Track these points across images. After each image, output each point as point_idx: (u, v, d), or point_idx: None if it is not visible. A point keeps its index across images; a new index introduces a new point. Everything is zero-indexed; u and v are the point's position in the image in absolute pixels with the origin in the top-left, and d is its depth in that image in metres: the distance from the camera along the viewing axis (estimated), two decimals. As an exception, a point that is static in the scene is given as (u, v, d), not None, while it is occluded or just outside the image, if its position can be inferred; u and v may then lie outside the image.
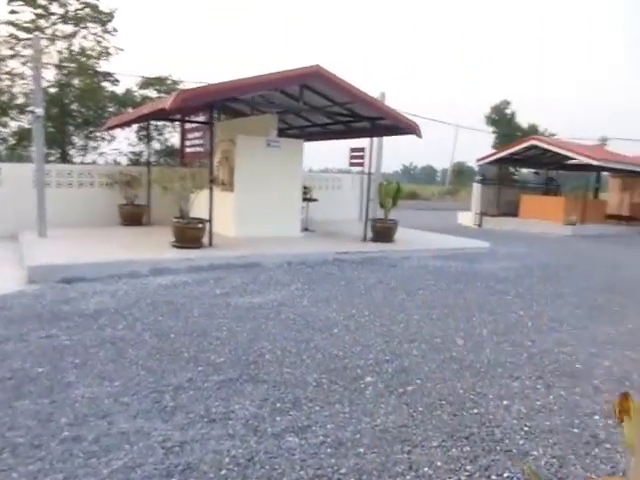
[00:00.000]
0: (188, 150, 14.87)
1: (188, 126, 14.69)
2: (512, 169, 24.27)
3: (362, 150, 15.60)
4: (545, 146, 16.16)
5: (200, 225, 8.16)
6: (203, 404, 3.23)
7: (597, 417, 3.29)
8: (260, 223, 9.87)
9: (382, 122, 10.06)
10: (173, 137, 26.78)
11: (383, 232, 9.98)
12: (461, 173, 52.90)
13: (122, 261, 6.95)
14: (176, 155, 27.37)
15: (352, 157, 16.08)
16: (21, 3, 22.48)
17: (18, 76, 22.40)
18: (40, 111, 9.16)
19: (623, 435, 1.41)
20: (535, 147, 16.62)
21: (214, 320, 4.97)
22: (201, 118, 13.86)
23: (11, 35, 23.75)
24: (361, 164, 15.83)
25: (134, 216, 11.23)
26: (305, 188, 10.84)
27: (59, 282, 6.39)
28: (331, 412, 3.19)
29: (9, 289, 6.02)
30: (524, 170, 21.86)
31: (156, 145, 27.36)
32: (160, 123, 23.15)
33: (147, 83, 26.88)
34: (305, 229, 10.82)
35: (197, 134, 14.11)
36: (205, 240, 8.36)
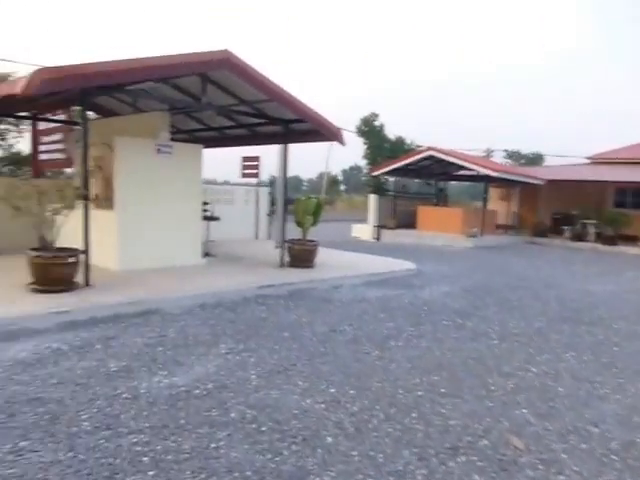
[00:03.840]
0: (43, 157, 11.96)
1: (42, 127, 11.81)
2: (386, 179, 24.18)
3: (256, 159, 13.98)
4: (442, 157, 15.89)
5: (72, 259, 5.89)
6: None
7: None
8: (151, 250, 7.75)
9: (297, 126, 8.53)
10: (19, 142, 22.69)
11: (302, 256, 8.43)
12: (335, 183, 53.37)
13: (-51, 325, 4.52)
14: (24, 164, 23.24)
15: (245, 167, 14.37)
16: None
17: None
18: None
19: None
20: (431, 157, 16.30)
21: (121, 440, 3.00)
22: (59, 117, 11.19)
23: None
24: (255, 175, 14.18)
25: (-31, 244, 8.35)
26: (205, 204, 8.89)
27: None
28: None
29: None
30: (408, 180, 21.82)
31: (-1, 152, 22.97)
32: (2, 126, 19.37)
33: None
34: (206, 254, 8.87)
35: (55, 137, 11.33)
36: (79, 279, 6.10)
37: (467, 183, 26.48)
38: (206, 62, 6.87)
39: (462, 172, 18.21)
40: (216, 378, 3.97)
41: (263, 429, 3.15)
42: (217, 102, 8.23)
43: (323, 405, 3.52)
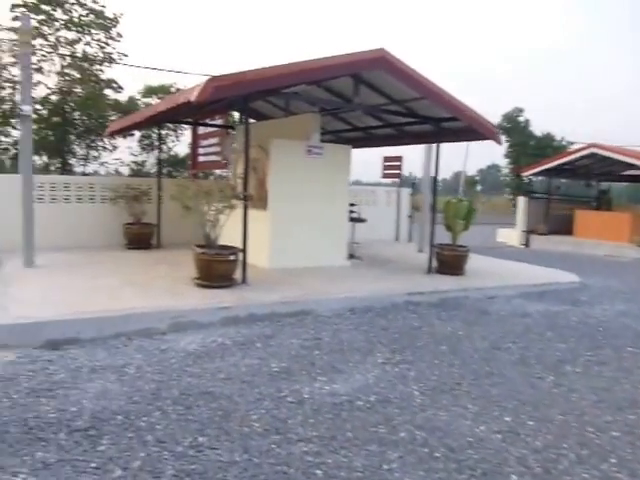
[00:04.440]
0: (201, 159, 12.93)
1: (201, 131, 12.77)
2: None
3: (399, 159, 13.71)
4: (607, 154, 14.19)
5: (232, 257, 6.18)
6: None
7: None
8: (299, 250, 7.89)
9: (449, 125, 8.11)
10: (177, 146, 24.99)
11: (452, 262, 7.99)
12: (473, 184, 50.94)
13: (133, 314, 4.94)
14: (181, 165, 25.56)
15: (386, 167, 14.17)
16: (24, 10, 20.84)
17: (20, 83, 20.74)
18: (27, 109, 7.22)
19: None
20: (592, 155, 14.66)
21: (292, 448, 2.96)
22: (217, 122, 11.99)
23: (13, 41, 22.07)
24: (397, 175, 13.91)
25: (141, 237, 9.26)
26: (351, 205, 8.86)
27: (43, 347, 4.40)
28: None
29: (-34, 364, 4.03)
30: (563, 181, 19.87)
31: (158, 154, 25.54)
32: (163, 131, 21.47)
33: (150, 91, 25.20)
34: (351, 256, 8.84)
35: (213, 140, 12.16)
36: (237, 276, 6.38)
37: (625, 184, 23.60)
38: (361, 62, 6.78)
39: (630, 172, 16.16)
40: (377, 390, 3.81)
41: (436, 455, 2.91)
42: (367, 102, 8.14)
43: (499, 435, 3.18)
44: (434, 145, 8.62)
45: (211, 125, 11.60)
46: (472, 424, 3.34)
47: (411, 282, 7.26)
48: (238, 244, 6.39)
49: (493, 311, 6.40)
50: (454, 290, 6.99)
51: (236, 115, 14.89)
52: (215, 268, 6.04)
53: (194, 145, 13.13)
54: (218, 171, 19.28)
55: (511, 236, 16.44)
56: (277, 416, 3.32)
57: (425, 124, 8.46)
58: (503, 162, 41.61)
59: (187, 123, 12.98)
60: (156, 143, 25.69)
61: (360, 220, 9.16)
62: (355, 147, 10.11)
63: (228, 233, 6.45)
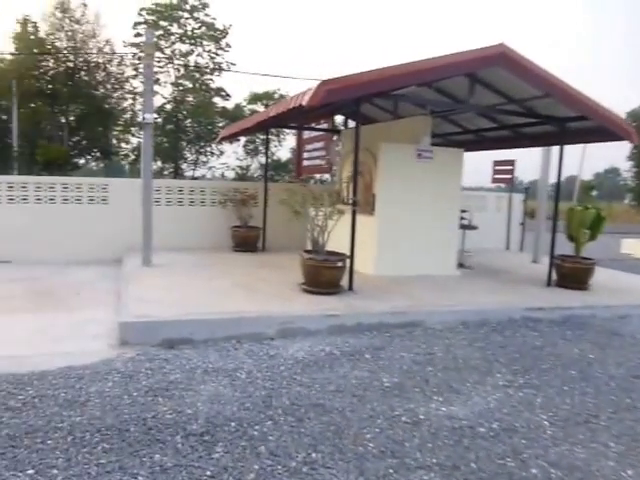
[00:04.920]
0: (305, 163, 13.06)
1: (306, 136, 12.90)
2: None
3: (511, 163, 12.89)
4: None
5: (340, 263, 6.06)
6: None
7: None
8: (407, 257, 7.61)
9: (575, 125, 7.41)
10: (279, 150, 25.66)
11: (575, 276, 7.26)
12: (589, 189, 47.05)
13: (243, 318, 4.98)
14: (283, 169, 26.23)
15: (497, 172, 13.39)
16: (145, 27, 22.76)
17: (139, 94, 22.66)
18: (150, 117, 7.64)
19: None
20: None
21: (411, 476, 2.73)
22: (322, 126, 12.03)
23: (134, 55, 24.07)
24: (509, 180, 13.10)
25: (248, 240, 9.48)
26: (462, 212, 8.41)
27: (159, 346, 4.56)
28: None
29: (92, 355, 4.27)
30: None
31: (262, 159, 26.55)
32: (267, 136, 22.25)
33: (255, 98, 26.20)
34: (460, 265, 8.39)
35: (317, 144, 12.22)
36: (343, 282, 6.26)
37: None
38: (479, 60, 6.38)
39: None
40: (500, 417, 3.47)
41: (580, 502, 2.55)
42: (482, 102, 7.68)
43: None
44: (554, 147, 7.94)
45: (316, 129, 11.66)
46: (617, 466, 2.91)
47: (529, 296, 6.70)
48: (342, 249, 6.27)
49: (627, 333, 5.69)
50: (579, 307, 6.33)
51: (339, 119, 14.90)
52: (323, 274, 5.97)
53: (299, 149, 13.31)
54: (318, 175, 19.52)
55: (639, 247, 14.84)
56: (392, 437, 3.12)
57: (546, 124, 7.81)
58: (625, 165, 38.06)
59: (293, 128, 13.19)
60: (260, 148, 26.73)
61: (471, 227, 8.68)
62: (466, 150, 9.64)
63: (332, 238, 6.36)
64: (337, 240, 6.33)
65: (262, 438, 3.04)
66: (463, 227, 8.47)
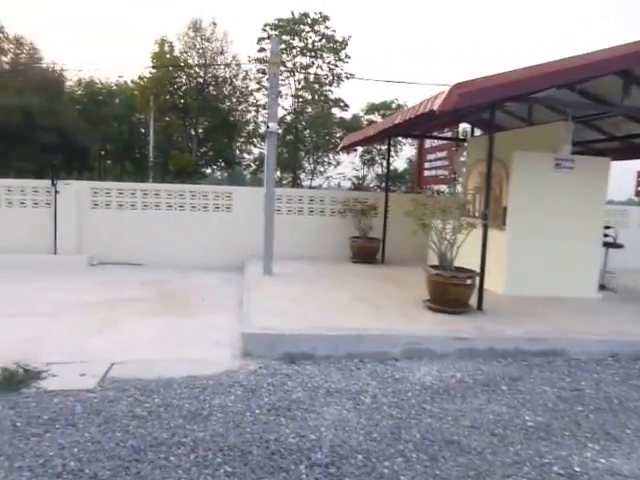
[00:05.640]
0: (427, 173, 12.60)
1: (427, 145, 12.45)
2: None
3: (660, 173, 11.39)
4: None
5: (469, 281, 5.61)
6: None
7: None
8: (541, 276, 6.91)
9: None
10: (395, 161, 25.32)
11: None
12: None
13: (367, 335, 4.76)
14: (399, 180, 25.81)
15: (641, 184, 11.94)
16: (268, 42, 23.76)
17: (262, 107, 23.73)
18: (274, 126, 7.75)
19: None
20: None
21: None
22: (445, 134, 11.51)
23: (258, 70, 25.24)
24: (657, 192, 11.59)
25: (367, 252, 9.28)
26: (607, 228, 7.49)
27: (281, 360, 4.49)
28: None
29: (216, 365, 4.30)
30: None
31: (378, 169, 26.41)
32: (385, 146, 22.02)
33: (372, 108, 26.14)
34: (602, 287, 7.46)
35: (440, 154, 11.73)
36: (472, 301, 5.79)
37: None
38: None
39: None
40: (681, 480, 2.87)
41: None
42: (636, 104, 6.77)
43: None
44: None
45: (441, 138, 11.19)
46: None
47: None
48: (467, 265, 5.81)
49: None
50: None
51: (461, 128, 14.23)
52: (450, 292, 5.56)
53: (420, 159, 12.90)
54: (435, 186, 18.86)
55: None
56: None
57: None
58: None
59: (417, 136, 12.80)
60: (376, 158, 26.56)
61: (617, 245, 7.70)
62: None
63: (458, 253, 5.92)
64: (462, 255, 5.89)
65: (393, 477, 2.77)
66: (607, 245, 7.52)
